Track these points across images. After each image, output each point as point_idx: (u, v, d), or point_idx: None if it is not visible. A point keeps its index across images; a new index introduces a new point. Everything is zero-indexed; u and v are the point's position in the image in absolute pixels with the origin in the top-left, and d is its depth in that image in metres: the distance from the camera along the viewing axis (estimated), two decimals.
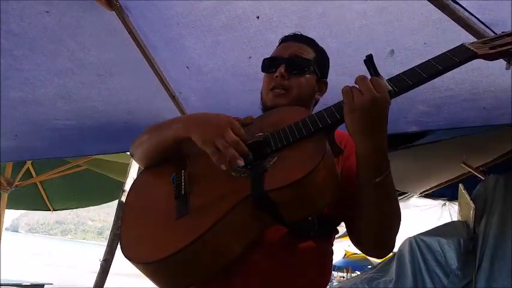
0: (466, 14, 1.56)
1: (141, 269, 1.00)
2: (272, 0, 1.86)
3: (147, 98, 2.68)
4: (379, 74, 0.97)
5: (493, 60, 0.98)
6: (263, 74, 1.34)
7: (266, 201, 0.94)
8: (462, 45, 0.99)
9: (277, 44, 1.39)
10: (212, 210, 0.97)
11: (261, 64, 1.34)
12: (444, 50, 1.86)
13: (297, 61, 1.28)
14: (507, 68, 0.98)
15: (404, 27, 1.83)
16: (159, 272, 0.99)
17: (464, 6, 1.55)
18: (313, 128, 1.02)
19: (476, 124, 2.24)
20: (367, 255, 1.17)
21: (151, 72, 2.41)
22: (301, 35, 1.37)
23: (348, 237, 1.17)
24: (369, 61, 0.98)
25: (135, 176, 3.23)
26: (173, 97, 2.57)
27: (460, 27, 1.62)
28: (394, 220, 1.07)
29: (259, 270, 1.06)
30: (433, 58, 0.99)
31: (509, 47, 0.95)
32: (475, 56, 0.97)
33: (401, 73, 0.99)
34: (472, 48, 0.97)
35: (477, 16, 1.52)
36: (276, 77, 1.26)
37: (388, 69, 1.96)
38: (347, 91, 0.97)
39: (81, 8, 2.04)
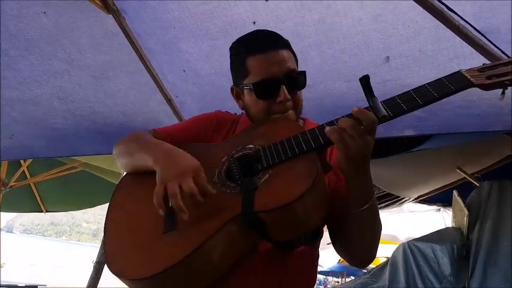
0: (462, 21, 1.57)
1: (128, 284, 0.98)
2: (268, 6, 1.86)
3: (143, 101, 2.68)
4: (374, 96, 0.96)
5: (488, 90, 0.99)
6: None
7: (256, 221, 0.94)
8: (459, 73, 1.00)
9: (251, 47, 1.18)
10: (201, 227, 0.96)
11: None
12: (439, 57, 1.87)
13: (295, 78, 1.17)
14: (501, 99, 0.99)
15: (400, 34, 1.84)
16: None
17: (459, 13, 1.56)
18: (306, 147, 1.01)
19: (471, 130, 2.26)
20: (350, 265, 1.19)
21: (147, 75, 2.41)
22: (276, 35, 1.21)
23: None
24: (365, 82, 0.96)
25: None
26: (169, 101, 2.58)
27: (455, 35, 1.64)
28: (378, 236, 1.10)
29: (249, 281, 1.05)
30: (429, 83, 0.99)
31: (505, 78, 0.96)
32: (471, 85, 0.98)
33: (397, 96, 0.99)
34: (468, 76, 0.98)
35: (472, 23, 1.54)
36: (280, 101, 1.14)
37: (384, 75, 1.98)
38: (339, 140, 0.93)
39: (78, 10, 2.04)
